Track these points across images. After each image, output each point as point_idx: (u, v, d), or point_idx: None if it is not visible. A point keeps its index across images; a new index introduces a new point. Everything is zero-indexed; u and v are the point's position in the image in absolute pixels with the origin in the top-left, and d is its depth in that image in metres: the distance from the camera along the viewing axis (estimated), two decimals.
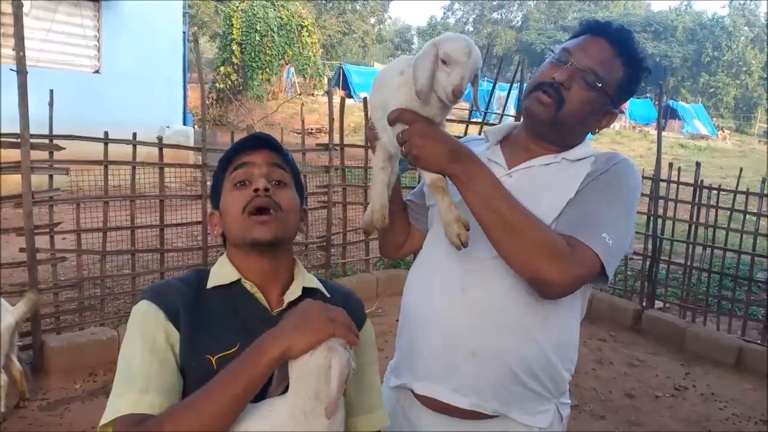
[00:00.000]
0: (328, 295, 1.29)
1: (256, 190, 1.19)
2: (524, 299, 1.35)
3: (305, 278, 1.28)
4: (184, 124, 11.39)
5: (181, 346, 1.13)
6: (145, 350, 1.10)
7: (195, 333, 1.14)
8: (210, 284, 1.21)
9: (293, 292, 1.23)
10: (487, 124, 6.19)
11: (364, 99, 5.90)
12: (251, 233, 1.19)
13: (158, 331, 1.13)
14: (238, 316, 1.19)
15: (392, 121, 1.25)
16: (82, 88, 9.13)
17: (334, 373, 1.03)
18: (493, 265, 1.35)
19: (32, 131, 3.74)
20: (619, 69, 1.42)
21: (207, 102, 17.78)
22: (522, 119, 1.53)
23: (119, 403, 1.05)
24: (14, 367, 3.43)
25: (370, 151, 5.67)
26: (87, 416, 3.43)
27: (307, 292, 1.26)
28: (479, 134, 1.79)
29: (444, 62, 1.18)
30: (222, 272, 1.23)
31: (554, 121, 1.40)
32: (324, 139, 5.52)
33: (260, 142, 1.27)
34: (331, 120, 5.39)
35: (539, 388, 1.40)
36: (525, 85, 1.53)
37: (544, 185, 1.41)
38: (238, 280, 1.22)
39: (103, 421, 1.05)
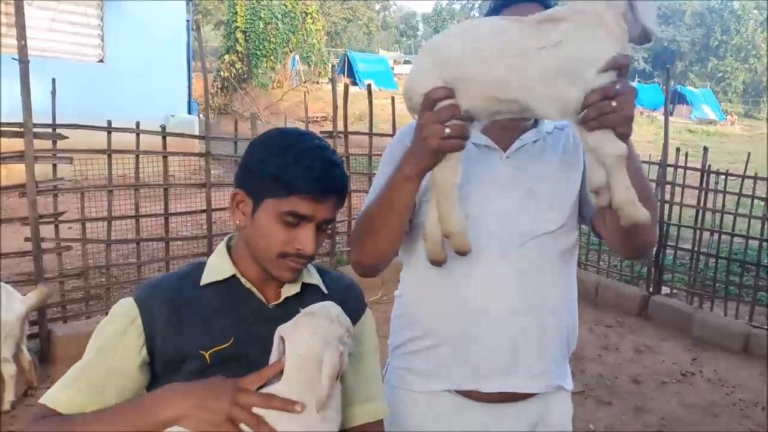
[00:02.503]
0: (326, 292, 1.25)
1: (299, 251, 1.13)
2: (560, 270, 1.41)
3: (305, 273, 1.24)
4: (189, 113, 11.38)
5: (161, 343, 1.12)
6: (96, 350, 1.11)
7: (184, 328, 1.13)
8: (204, 280, 1.17)
9: (292, 288, 1.21)
10: None
11: (369, 86, 5.87)
12: (278, 272, 1.15)
13: (123, 335, 1.12)
14: (234, 310, 1.17)
15: (609, 68, 1.04)
16: (87, 77, 9.15)
17: (325, 368, 1.03)
18: (533, 245, 1.36)
19: (37, 121, 3.75)
20: None
21: (212, 91, 17.90)
22: None
23: (49, 392, 1.08)
24: (23, 356, 3.46)
25: (375, 138, 5.68)
26: None
27: (306, 288, 1.23)
28: None
29: None
30: (218, 266, 1.20)
31: None
32: (329, 127, 5.49)
33: (331, 190, 1.12)
34: (335, 108, 5.36)
35: (567, 352, 1.49)
36: None
37: (549, 161, 1.42)
38: (234, 275, 1.19)
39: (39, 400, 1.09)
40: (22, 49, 3.57)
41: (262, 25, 18.21)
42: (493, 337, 1.37)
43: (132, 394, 1.12)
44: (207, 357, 1.11)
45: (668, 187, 5.43)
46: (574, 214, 1.42)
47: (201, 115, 14.87)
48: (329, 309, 1.10)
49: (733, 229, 5.21)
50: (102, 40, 9.80)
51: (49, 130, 3.89)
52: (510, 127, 1.43)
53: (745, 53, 42.95)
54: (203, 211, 4.71)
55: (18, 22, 3.57)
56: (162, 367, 1.14)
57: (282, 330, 1.09)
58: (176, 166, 5.55)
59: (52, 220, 3.97)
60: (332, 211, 1.15)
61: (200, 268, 1.21)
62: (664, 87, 5.86)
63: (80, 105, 6.94)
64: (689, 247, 5.45)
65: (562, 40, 1.05)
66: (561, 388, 1.47)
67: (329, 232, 5.37)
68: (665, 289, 5.61)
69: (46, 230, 3.94)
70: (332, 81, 5.60)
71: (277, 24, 18.38)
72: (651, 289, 5.54)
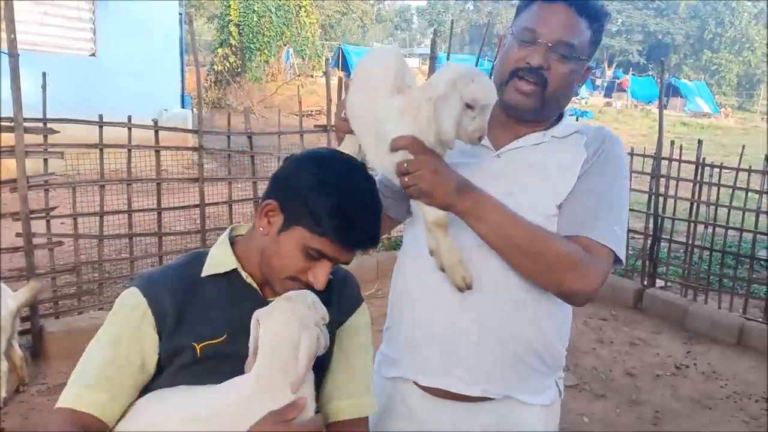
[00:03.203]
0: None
1: (309, 283, 1.13)
2: (518, 282, 1.33)
3: None
4: (183, 107, 11.31)
5: (165, 338, 1.11)
6: (109, 345, 1.10)
7: (184, 320, 1.12)
8: (206, 272, 1.16)
9: None
10: None
11: None
12: (280, 288, 1.15)
13: (134, 328, 1.10)
14: (233, 305, 1.16)
15: (395, 149, 1.17)
16: (79, 71, 9.07)
17: (303, 349, 1.03)
18: (481, 254, 1.31)
19: (29, 115, 3.71)
20: (586, 28, 1.35)
21: (205, 84, 17.80)
22: (501, 107, 1.41)
23: (67, 393, 1.07)
24: (15, 353, 3.43)
25: None
26: None
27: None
28: None
29: (470, 107, 1.13)
30: (220, 259, 1.19)
31: (543, 103, 1.35)
32: (324, 120, 5.46)
33: (364, 245, 1.15)
34: (329, 101, 5.33)
35: (542, 367, 1.41)
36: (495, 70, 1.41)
37: (540, 167, 1.37)
38: (236, 269, 1.18)
39: (57, 405, 1.07)
40: (12, 42, 3.53)
41: (255, 18, 18.11)
42: (432, 333, 1.38)
43: (142, 387, 1.12)
44: (198, 350, 1.10)
45: (662, 180, 5.43)
46: (552, 224, 1.33)
47: (195, 109, 14.80)
48: (306, 296, 1.11)
49: (727, 222, 5.21)
50: (94, 34, 9.71)
51: (40, 124, 3.85)
52: (511, 127, 1.41)
53: (739, 46, 42.98)
54: (196, 205, 4.67)
55: (7, 15, 3.52)
56: (161, 361, 1.12)
57: (258, 313, 1.09)
58: (169, 161, 5.51)
59: (44, 215, 3.93)
60: (354, 255, 1.16)
61: (199, 259, 1.20)
62: (659, 80, 5.84)
63: (73, 99, 6.90)
64: (683, 240, 5.45)
65: (389, 113, 1.17)
66: (513, 398, 1.40)
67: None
68: (659, 282, 5.62)
69: (38, 225, 3.91)
70: (326, 74, 5.58)
71: (271, 17, 18.29)
72: (645, 283, 5.55)
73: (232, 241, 1.23)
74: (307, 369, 1.03)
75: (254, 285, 1.18)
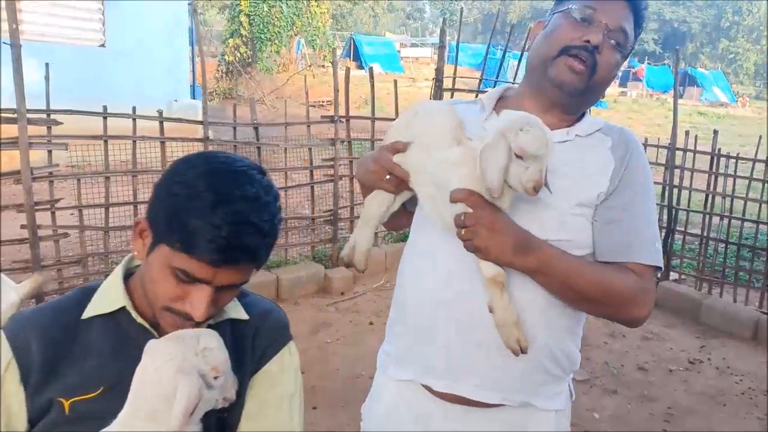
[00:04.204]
0: (247, 317, 1.08)
1: (188, 316, 0.96)
2: (535, 286, 1.26)
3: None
4: (193, 97, 11.29)
5: (30, 392, 0.96)
6: None
7: (56, 371, 0.96)
8: (87, 314, 0.99)
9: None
10: None
11: (371, 69, 5.77)
12: (163, 323, 0.99)
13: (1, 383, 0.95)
14: (116, 352, 0.98)
15: (454, 201, 1.14)
16: (88, 62, 9.06)
17: (179, 400, 0.87)
18: None
19: (37, 106, 3.70)
20: (633, 24, 1.33)
21: (216, 75, 17.77)
22: (537, 89, 1.35)
23: None
24: None
25: (377, 122, 5.59)
26: None
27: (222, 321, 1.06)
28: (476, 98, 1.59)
29: (519, 156, 1.08)
30: (106, 296, 1.02)
31: (586, 89, 1.29)
32: (333, 111, 5.39)
33: (234, 260, 0.93)
34: (336, 91, 5.26)
35: (558, 371, 1.35)
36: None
37: (565, 168, 1.28)
38: (124, 308, 1.00)
39: None
40: (14, 32, 3.49)
41: (266, 8, 18.03)
42: (447, 336, 1.30)
43: None
44: (66, 406, 0.94)
45: (677, 171, 5.32)
46: (573, 220, 1.27)
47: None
48: (200, 337, 0.94)
49: (743, 214, 5.10)
50: (103, 25, 9.69)
51: (44, 115, 3.82)
52: None
53: (756, 34, 42.25)
54: None
55: (8, 5, 3.49)
56: (30, 419, 0.95)
57: (147, 346, 0.94)
58: (179, 152, 5.45)
59: (49, 207, 3.91)
60: (239, 275, 0.96)
61: (88, 296, 1.02)
62: (674, 69, 5.72)
63: (82, 90, 6.88)
64: (698, 232, 5.35)
65: (447, 165, 1.17)
66: (528, 405, 1.33)
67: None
68: (673, 275, 5.52)
69: (43, 217, 3.89)
70: (333, 64, 5.51)
71: (281, 7, 18.21)
72: (659, 275, 5.46)
73: (130, 273, 1.07)
74: (181, 425, 0.86)
75: (146, 325, 1.00)
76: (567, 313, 1.32)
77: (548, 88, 1.32)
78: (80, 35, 9.46)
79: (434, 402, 1.35)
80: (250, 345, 1.07)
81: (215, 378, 0.93)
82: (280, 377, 1.08)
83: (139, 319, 1.00)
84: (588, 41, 1.26)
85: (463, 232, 1.14)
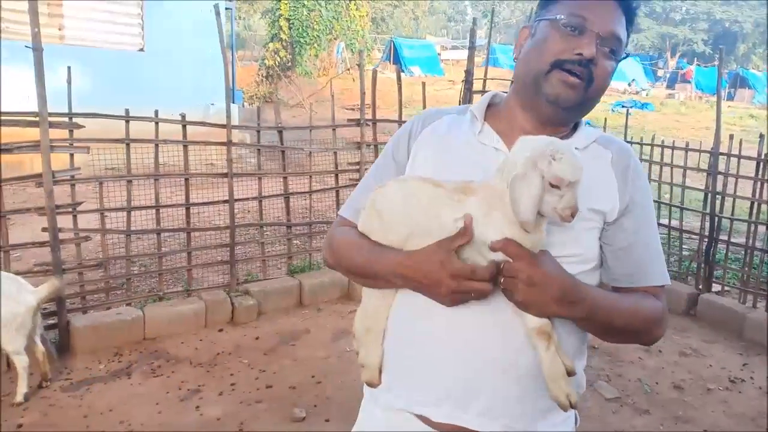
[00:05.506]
0: None
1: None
2: None
3: None
4: (232, 101, 11.39)
5: None
6: None
7: None
8: None
9: None
10: None
11: (397, 72, 5.70)
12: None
13: None
14: None
15: (494, 250, 1.09)
16: (127, 66, 9.21)
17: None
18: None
19: (77, 110, 3.78)
20: (625, 24, 1.23)
21: (257, 79, 17.95)
22: (531, 104, 1.26)
23: None
24: (37, 348, 3.43)
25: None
26: (106, 397, 3.40)
27: None
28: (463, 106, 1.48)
29: (555, 186, 1.04)
30: None
31: (582, 101, 1.21)
32: (362, 114, 5.31)
33: None
34: (363, 94, 5.18)
35: None
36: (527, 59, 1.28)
37: None
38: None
39: None
40: (36, 36, 3.51)
41: (305, 12, 18.18)
42: (444, 361, 1.19)
43: None
44: None
45: (720, 178, 5.05)
46: (581, 248, 1.21)
47: (245, 104, 14.94)
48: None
49: None
50: (142, 29, 9.86)
51: (66, 119, 3.84)
52: (530, 133, 1.23)
53: None
54: (225, 201, 4.60)
55: (31, 7, 3.51)
56: None
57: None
58: (215, 157, 5.41)
59: (70, 210, 3.93)
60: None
61: None
62: (719, 69, 5.44)
63: (120, 94, 6.97)
64: (743, 241, 5.07)
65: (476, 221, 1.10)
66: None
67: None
68: (716, 287, 5.23)
69: (64, 220, 3.90)
70: (360, 66, 5.42)
71: (321, 11, 18.30)
72: (700, 287, 5.18)
73: None
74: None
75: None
76: (573, 333, 1.23)
77: (543, 104, 1.23)
78: (120, 40, 9.64)
79: None
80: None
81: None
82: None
83: None
84: (581, 54, 1.18)
85: (502, 281, 1.09)
